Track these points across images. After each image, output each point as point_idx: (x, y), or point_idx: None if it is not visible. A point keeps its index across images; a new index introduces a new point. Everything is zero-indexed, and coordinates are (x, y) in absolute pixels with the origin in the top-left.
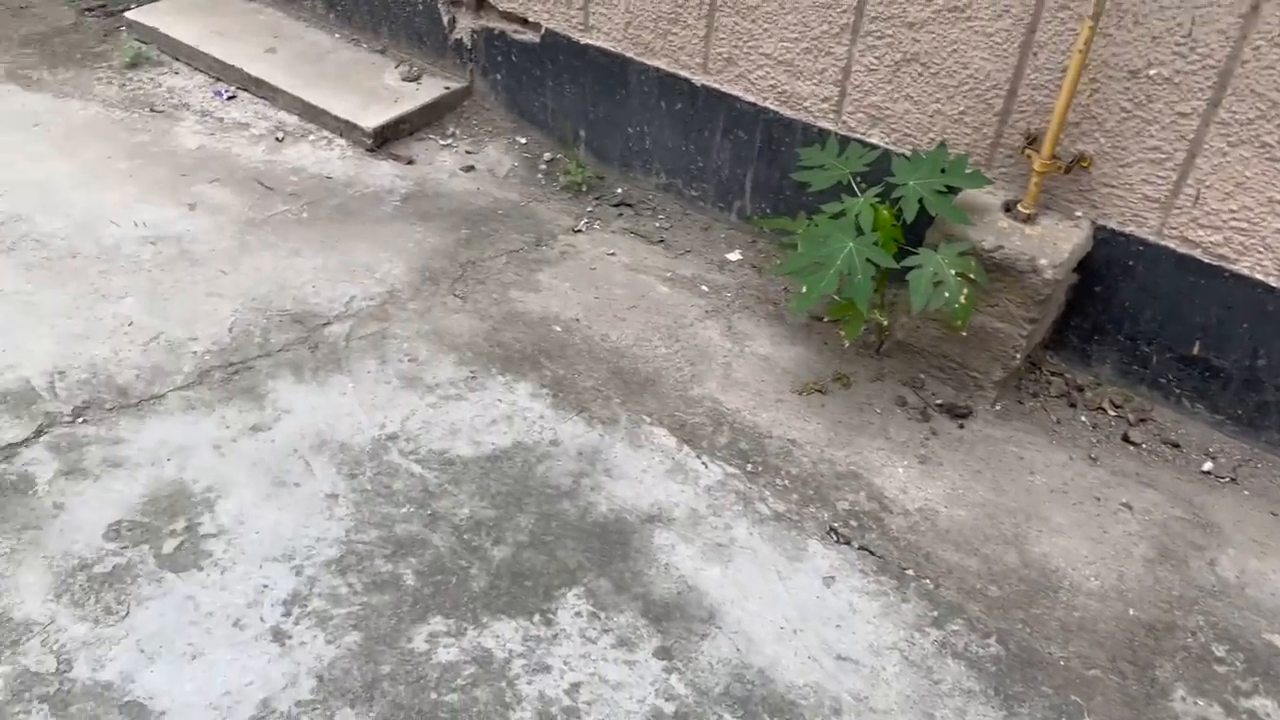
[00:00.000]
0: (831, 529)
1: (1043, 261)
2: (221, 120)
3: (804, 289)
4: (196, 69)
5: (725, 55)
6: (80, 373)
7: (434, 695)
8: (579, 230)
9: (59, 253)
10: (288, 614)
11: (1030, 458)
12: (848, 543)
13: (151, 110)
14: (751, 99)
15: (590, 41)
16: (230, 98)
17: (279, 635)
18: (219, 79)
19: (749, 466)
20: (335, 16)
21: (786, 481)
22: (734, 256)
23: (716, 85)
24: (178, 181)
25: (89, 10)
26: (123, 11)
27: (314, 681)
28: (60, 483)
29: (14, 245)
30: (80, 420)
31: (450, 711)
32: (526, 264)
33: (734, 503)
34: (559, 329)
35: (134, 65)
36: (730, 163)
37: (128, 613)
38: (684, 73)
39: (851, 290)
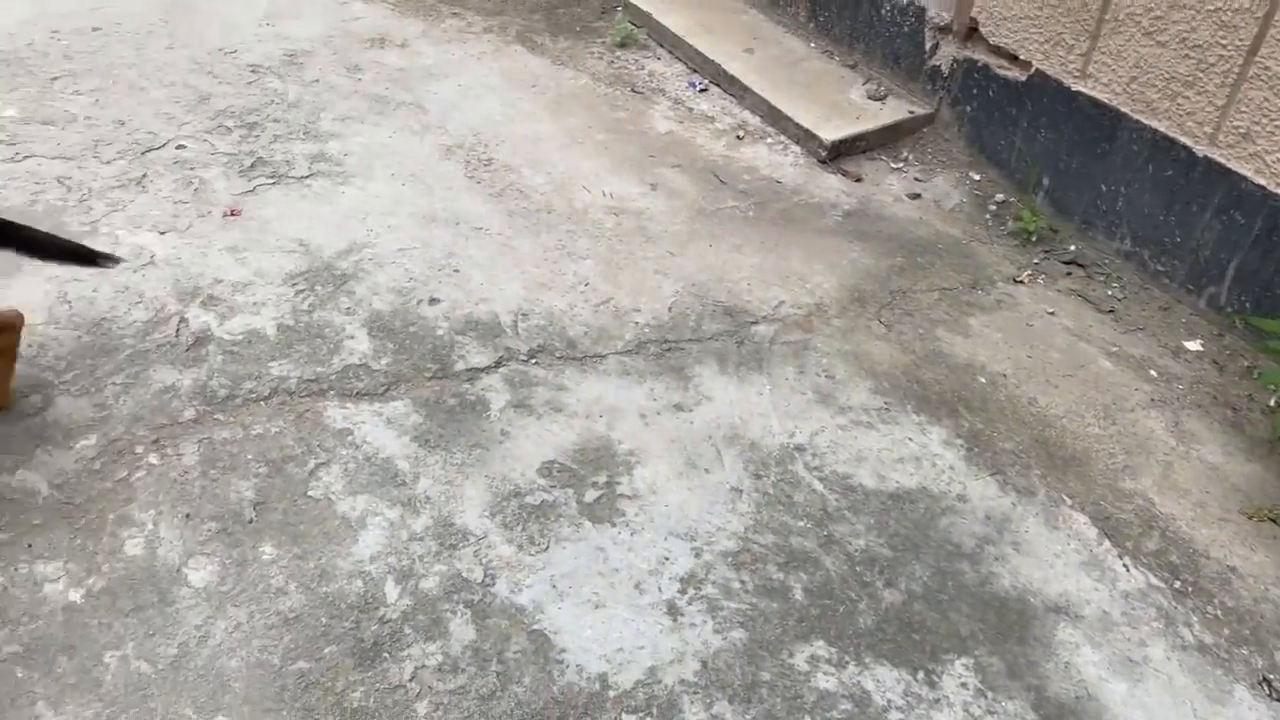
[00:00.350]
0: (1265, 679)
1: None
2: (691, 110)
3: None
4: (677, 58)
5: (1243, 130)
6: (539, 318)
7: (808, 719)
8: (1020, 281)
9: (537, 205)
10: (683, 592)
11: None
12: None
13: (632, 90)
14: (1262, 181)
15: (1082, 89)
16: (702, 90)
17: (673, 610)
18: (695, 70)
19: (1177, 583)
20: (815, 26)
21: (1219, 612)
22: (1193, 346)
23: (1222, 160)
24: (645, 161)
25: None
26: None
27: (698, 665)
28: (509, 413)
29: (502, 191)
30: (533, 361)
31: None
32: (959, 305)
33: (1154, 618)
34: (983, 380)
35: (623, 45)
36: (1214, 244)
37: (547, 547)
38: (1186, 140)
39: None
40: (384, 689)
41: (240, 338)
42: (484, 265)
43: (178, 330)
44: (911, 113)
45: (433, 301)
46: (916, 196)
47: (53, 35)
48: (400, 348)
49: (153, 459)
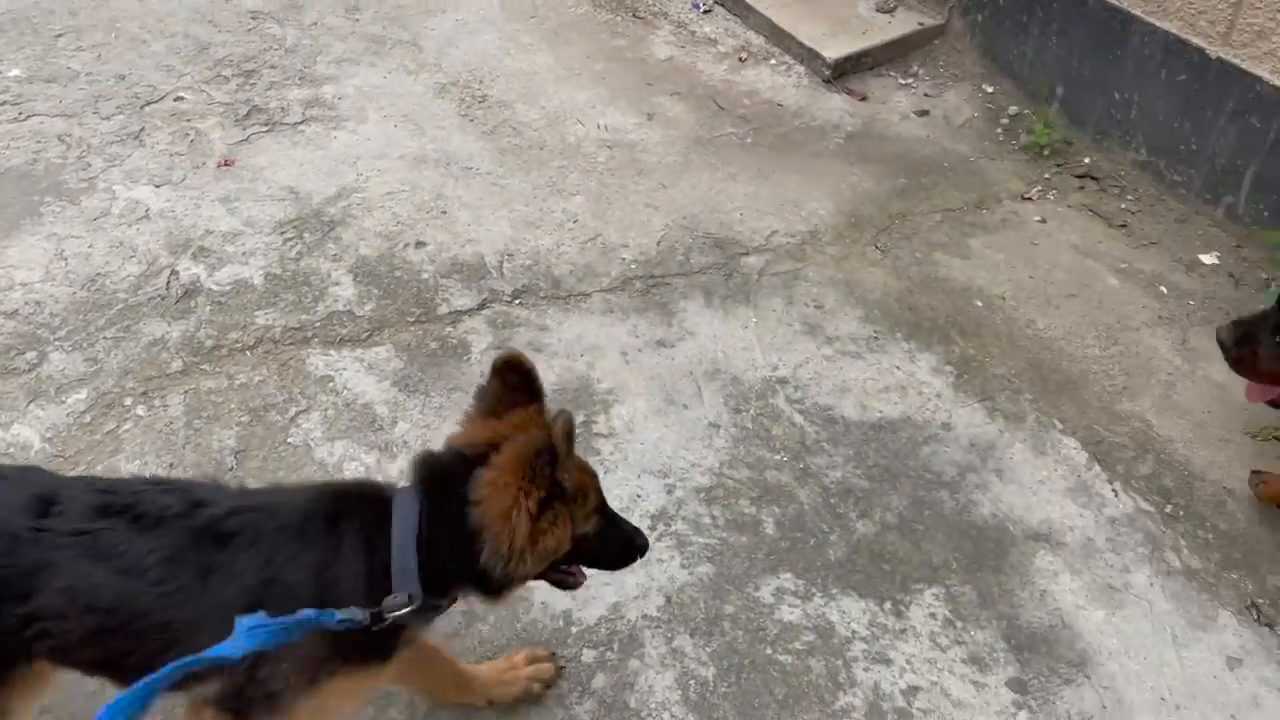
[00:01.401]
0: (1253, 604)
1: None
2: (694, 34)
3: None
4: None
5: (1257, 28)
6: (525, 258)
7: (769, 651)
8: (1028, 198)
9: (529, 142)
10: (652, 528)
11: None
12: (1270, 626)
13: (634, 16)
14: (1278, 82)
15: None
16: (706, 11)
17: None
18: None
19: (1168, 507)
20: None
21: (1211, 536)
22: (1209, 259)
23: (1236, 60)
24: (643, 90)
25: None
26: None
27: (662, 600)
28: (490, 356)
29: (495, 129)
30: (517, 302)
31: (781, 672)
32: (961, 226)
33: (1140, 544)
34: (980, 304)
35: None
36: (1231, 151)
37: None
38: (1198, 40)
39: None
40: None
41: (229, 288)
42: (472, 206)
43: (168, 283)
44: (921, 24)
45: (419, 245)
46: (925, 113)
47: None
48: (385, 293)
49: (140, 411)
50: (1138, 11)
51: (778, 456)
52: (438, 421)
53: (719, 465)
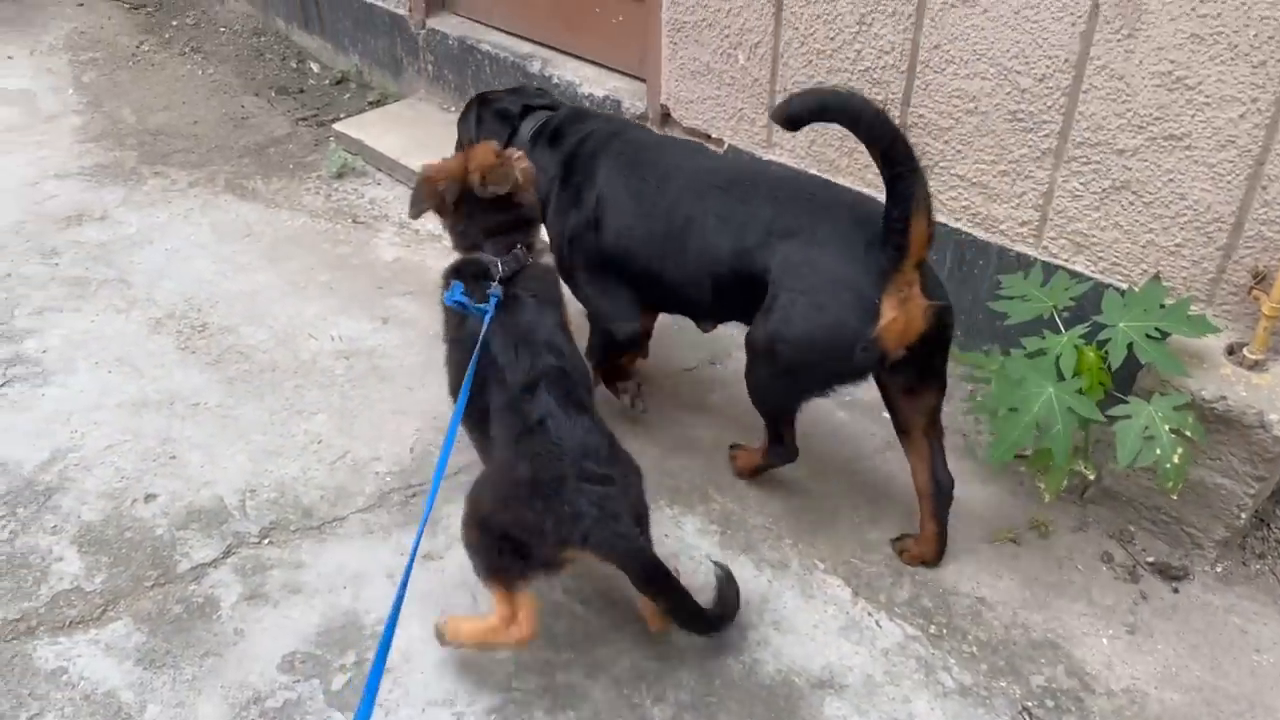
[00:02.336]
0: (1024, 709)
1: (1273, 417)
2: (417, 232)
3: (997, 438)
4: (398, 180)
5: None
6: (270, 491)
7: None
8: None
9: (260, 366)
10: None
11: (1256, 632)
12: None
13: (354, 221)
14: (942, 219)
15: (773, 158)
16: None
17: None
18: None
19: (932, 628)
20: None
21: (974, 648)
22: None
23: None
24: (373, 294)
25: (303, 120)
26: (333, 122)
27: None
28: (242, 608)
29: (220, 357)
30: (266, 541)
31: None
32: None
33: (914, 670)
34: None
35: (340, 175)
36: None
37: None
38: (869, 190)
39: (1050, 441)
40: None
41: None
42: (203, 445)
43: None
44: None
45: (149, 498)
46: None
47: None
48: (116, 559)
49: None
50: (814, 170)
51: (564, 655)
52: (192, 696)
53: (506, 678)
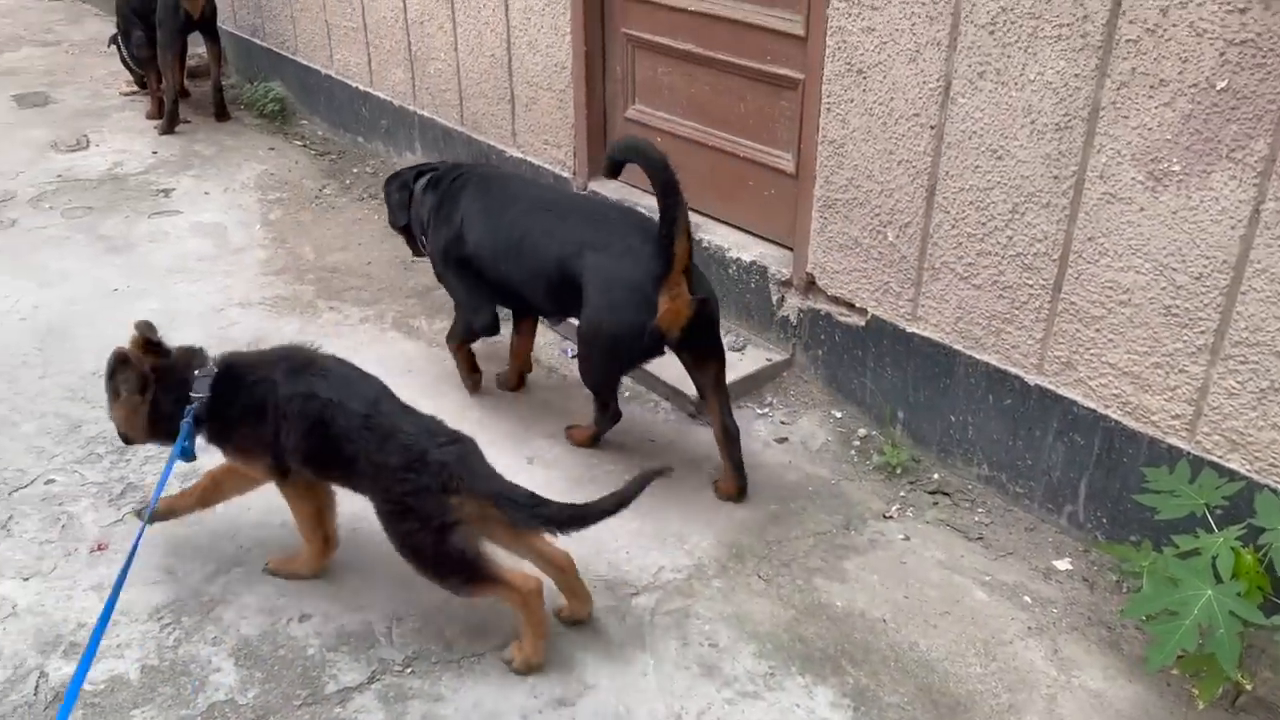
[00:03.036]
0: None
1: None
2: (566, 377)
3: (1157, 642)
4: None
5: (1064, 359)
6: (415, 620)
7: None
8: (890, 516)
9: None
10: None
11: None
12: None
13: (506, 364)
14: (1091, 404)
15: (916, 331)
16: (574, 356)
17: None
18: (566, 337)
19: None
20: None
21: None
22: (1063, 565)
23: (1051, 386)
24: (520, 433)
25: None
26: None
27: None
28: None
29: None
30: (409, 670)
31: None
32: (834, 549)
33: None
34: (864, 629)
35: None
36: (1063, 465)
37: None
38: (1016, 370)
39: (1213, 646)
40: None
41: (102, 686)
42: (359, 569)
43: (36, 687)
44: (769, 360)
45: (303, 618)
46: (784, 440)
47: None
48: (269, 675)
49: None
50: (959, 347)
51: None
52: None
53: None
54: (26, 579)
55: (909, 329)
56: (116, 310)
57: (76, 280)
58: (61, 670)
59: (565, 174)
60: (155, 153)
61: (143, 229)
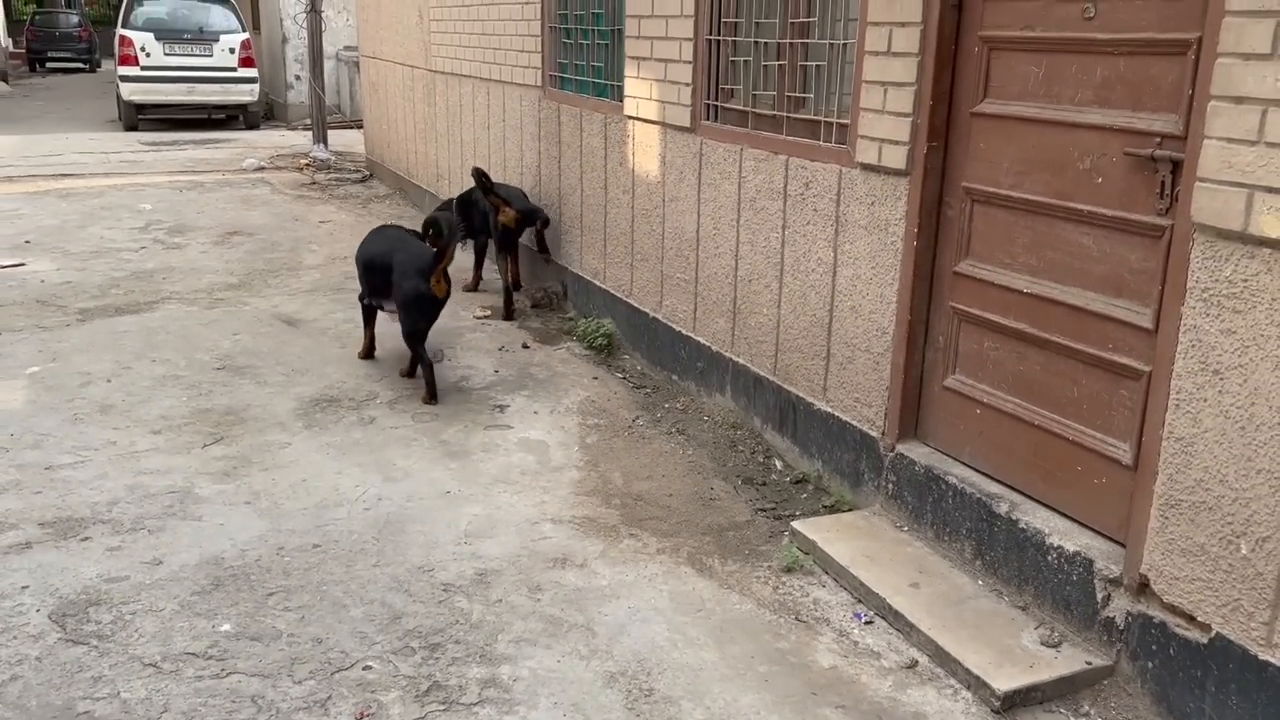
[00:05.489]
0: None
1: None
2: (855, 644)
3: None
4: (842, 587)
5: None
6: None
7: None
8: None
9: None
10: None
11: None
12: None
13: (797, 619)
14: None
15: (1271, 660)
16: (868, 622)
17: None
18: (860, 601)
19: None
20: (981, 564)
21: None
22: None
23: None
24: (807, 699)
25: (762, 510)
26: (790, 518)
27: None
28: None
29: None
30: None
31: None
32: None
33: None
34: None
35: (789, 570)
36: None
37: None
38: None
39: None
40: None
41: None
42: None
43: None
44: (1089, 664)
45: None
46: None
47: (278, 552)
48: None
49: None
50: None
51: None
52: None
53: None
54: None
55: (1262, 656)
56: (446, 510)
57: (416, 479)
58: None
59: (873, 433)
60: (497, 371)
61: (478, 439)
